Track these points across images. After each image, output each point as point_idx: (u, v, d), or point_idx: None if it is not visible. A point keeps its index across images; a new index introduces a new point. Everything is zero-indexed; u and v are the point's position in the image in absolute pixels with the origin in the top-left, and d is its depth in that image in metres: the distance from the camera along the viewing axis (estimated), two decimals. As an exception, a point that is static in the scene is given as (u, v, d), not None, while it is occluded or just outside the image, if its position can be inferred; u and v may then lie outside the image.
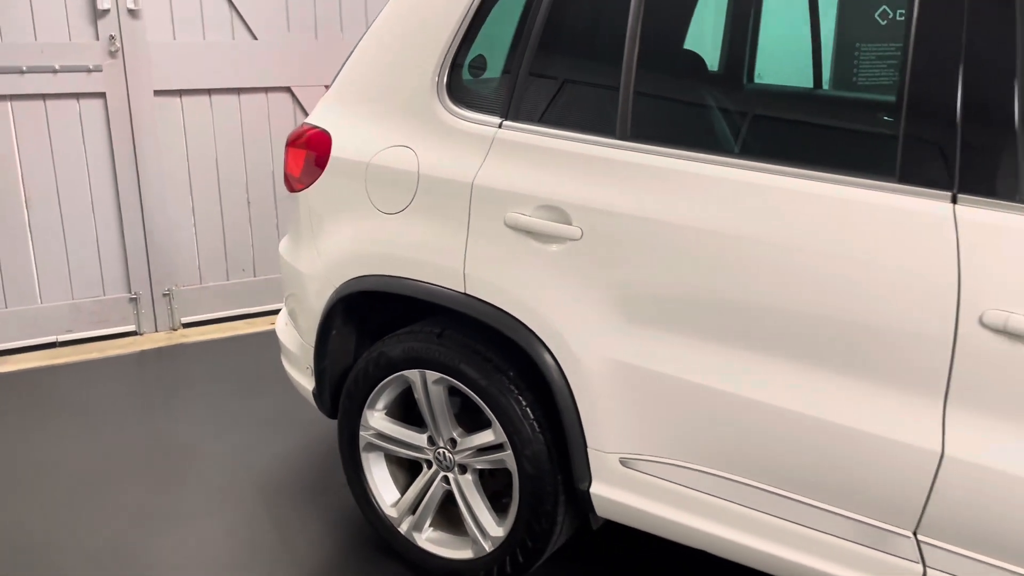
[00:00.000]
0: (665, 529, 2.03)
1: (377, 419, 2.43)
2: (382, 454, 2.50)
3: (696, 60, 2.31)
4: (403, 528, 2.46)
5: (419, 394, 2.32)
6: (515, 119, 2.12)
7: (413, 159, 2.23)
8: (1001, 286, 1.55)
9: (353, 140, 2.37)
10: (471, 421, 2.31)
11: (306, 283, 2.49)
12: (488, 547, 2.31)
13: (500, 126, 2.13)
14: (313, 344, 2.49)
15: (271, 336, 4.31)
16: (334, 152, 2.39)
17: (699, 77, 2.19)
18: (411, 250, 2.22)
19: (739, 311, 1.81)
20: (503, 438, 2.19)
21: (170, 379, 3.90)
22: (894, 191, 1.66)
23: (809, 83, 2.41)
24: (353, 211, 2.35)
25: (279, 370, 3.49)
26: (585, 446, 2.07)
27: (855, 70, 2.92)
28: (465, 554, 2.37)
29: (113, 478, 3.03)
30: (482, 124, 2.16)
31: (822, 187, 1.73)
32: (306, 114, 4.43)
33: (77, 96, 4.03)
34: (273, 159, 4.51)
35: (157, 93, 4.17)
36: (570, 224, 1.99)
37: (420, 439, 2.38)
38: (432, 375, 2.26)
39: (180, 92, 4.24)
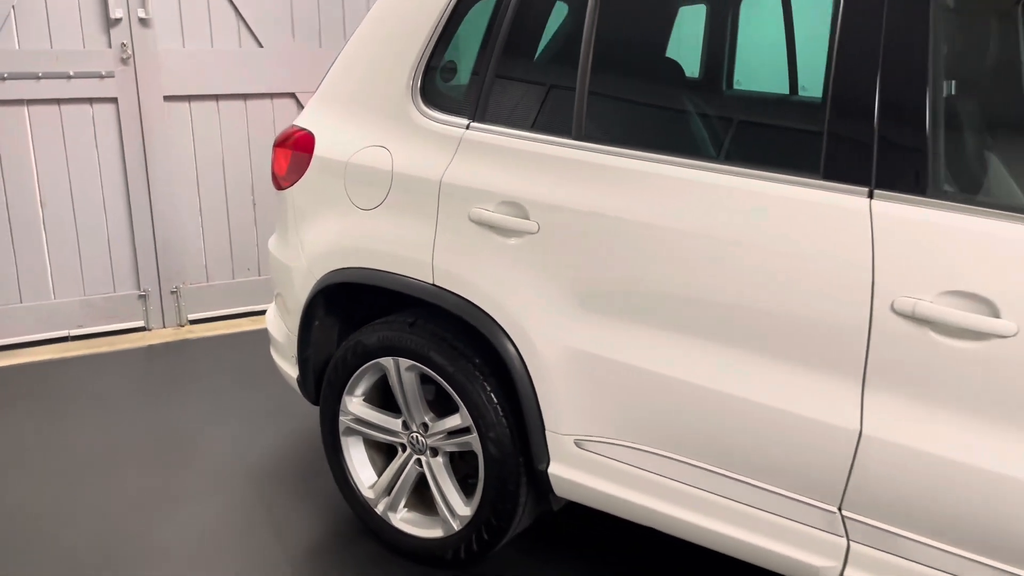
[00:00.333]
0: (616, 507, 2.15)
1: (355, 405, 2.57)
2: (361, 438, 2.64)
3: (651, 65, 2.44)
4: (379, 508, 2.59)
5: (393, 381, 2.45)
6: (481, 120, 2.26)
7: (388, 158, 2.37)
8: (909, 275, 1.66)
9: (334, 140, 2.52)
10: (444, 407, 2.44)
11: (291, 276, 2.64)
12: (457, 526, 2.44)
13: (467, 127, 2.27)
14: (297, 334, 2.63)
15: (273, 333, 4.46)
16: (316, 152, 2.54)
17: (650, 80, 2.31)
18: (385, 244, 2.36)
19: (681, 301, 1.93)
20: (469, 422, 2.32)
21: (176, 372, 4.07)
22: (819, 187, 1.78)
23: (785, 86, 2.52)
24: (333, 207, 2.49)
25: (276, 363, 3.63)
26: (543, 429, 2.20)
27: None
28: (436, 533, 2.50)
29: (117, 463, 3.19)
30: (451, 125, 2.29)
31: (756, 184, 1.84)
32: (310, 119, 4.59)
33: (90, 101, 4.21)
34: (278, 162, 4.68)
35: (167, 98, 4.35)
36: (528, 219, 2.12)
37: (395, 424, 2.52)
38: (404, 362, 2.40)
39: (189, 97, 4.42)
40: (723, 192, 1.87)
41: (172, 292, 4.58)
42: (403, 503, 2.57)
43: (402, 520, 2.57)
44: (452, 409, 2.38)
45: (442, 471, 2.46)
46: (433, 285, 2.28)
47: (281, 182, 2.65)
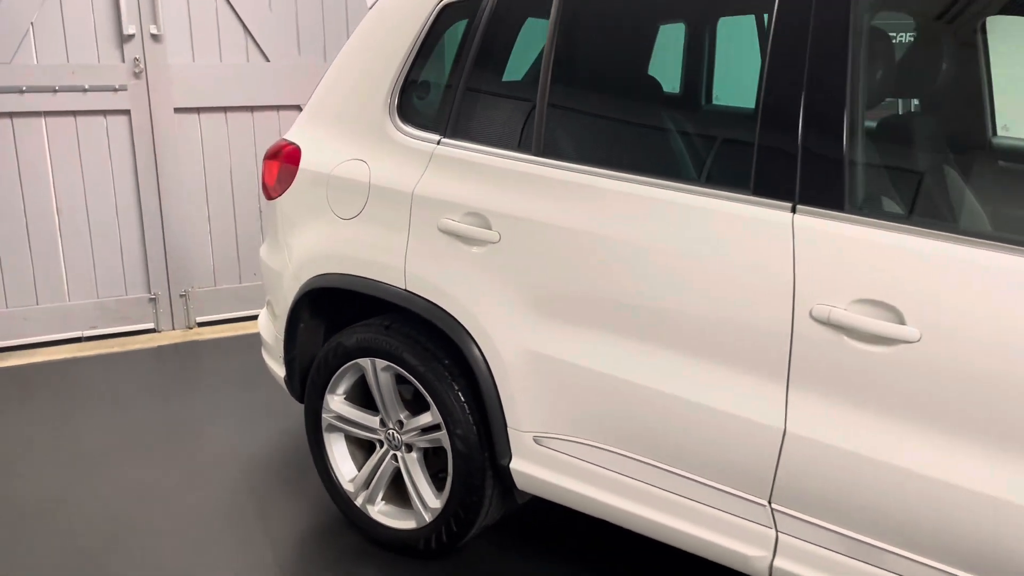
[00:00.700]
0: (571, 501, 2.29)
1: (337, 403, 2.72)
2: (342, 435, 2.79)
3: (602, 85, 2.58)
4: (359, 501, 2.74)
5: (371, 380, 2.61)
6: (451, 136, 2.41)
7: (366, 171, 2.53)
8: (825, 283, 1.79)
9: (319, 154, 2.68)
10: (419, 406, 2.58)
11: (279, 281, 2.81)
12: (428, 518, 2.58)
13: (439, 143, 2.43)
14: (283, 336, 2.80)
15: (277, 335, 4.65)
16: (302, 164, 2.71)
17: (600, 100, 2.45)
18: (362, 251, 2.52)
19: (626, 308, 2.07)
20: (439, 419, 2.46)
21: (183, 372, 4.26)
22: (749, 202, 1.91)
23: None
24: (317, 216, 2.66)
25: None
26: (505, 426, 2.34)
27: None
28: (410, 524, 2.64)
29: (121, 455, 3.37)
30: (424, 141, 2.45)
31: (694, 199, 1.98)
32: (314, 130, 4.77)
33: (104, 113, 4.42)
34: (284, 172, 4.87)
35: (177, 110, 4.55)
36: (490, 229, 2.27)
37: (373, 421, 2.67)
38: (380, 363, 2.55)
39: (198, 109, 4.62)
40: (664, 206, 2.01)
41: (181, 296, 4.77)
42: (380, 496, 2.72)
43: (379, 512, 2.72)
44: (426, 407, 2.53)
45: (415, 466, 2.61)
46: (405, 290, 2.43)
47: (271, 192, 2.82)
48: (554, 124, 2.26)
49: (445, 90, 2.47)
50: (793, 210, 1.85)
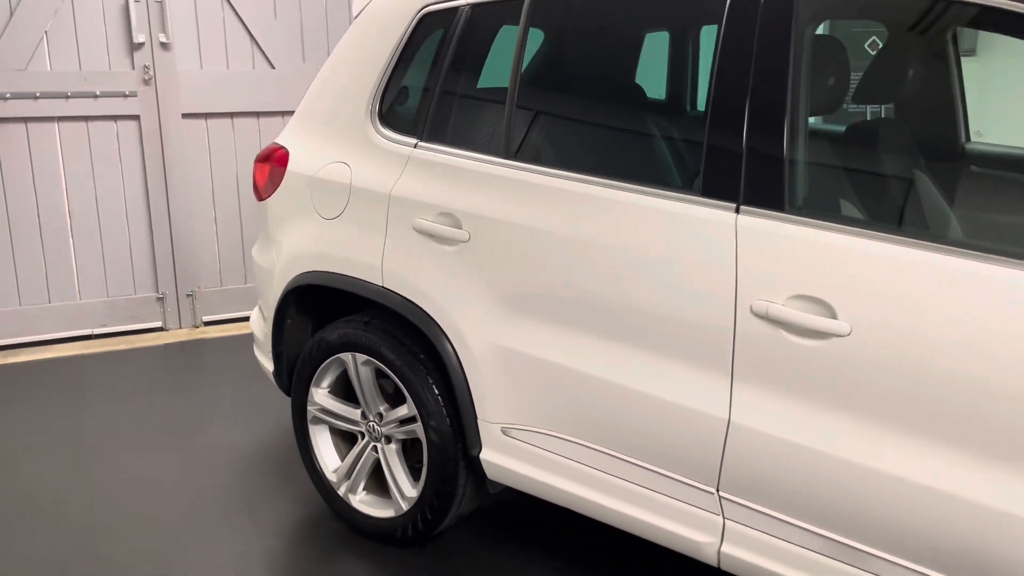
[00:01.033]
0: (537, 490, 2.39)
1: (321, 396, 2.84)
2: (326, 427, 2.90)
3: (563, 90, 2.68)
4: (341, 491, 2.85)
5: (352, 374, 2.72)
6: (427, 140, 2.52)
7: (348, 173, 2.65)
8: (764, 280, 1.88)
9: (305, 157, 2.80)
10: (398, 399, 2.69)
11: (268, 279, 2.93)
12: (405, 507, 2.69)
13: (416, 146, 2.54)
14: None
15: (279, 335, 4.78)
16: (290, 167, 2.83)
17: (562, 104, 2.56)
18: (343, 249, 2.63)
19: (586, 304, 2.17)
20: (415, 411, 2.57)
21: (188, 369, 4.40)
22: (698, 203, 2.00)
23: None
24: (302, 217, 2.78)
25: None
26: (475, 417, 2.44)
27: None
28: (388, 513, 2.75)
29: (122, 447, 3.50)
30: (402, 144, 2.56)
31: (649, 200, 2.07)
32: (318, 136, 4.91)
33: (115, 118, 4.58)
34: (289, 176, 5.01)
35: (185, 116, 4.70)
36: (461, 229, 2.37)
37: (355, 414, 2.78)
38: (361, 357, 2.66)
39: (206, 115, 4.77)
40: (621, 207, 2.11)
41: (188, 295, 4.92)
42: (362, 486, 2.83)
43: (361, 502, 2.83)
44: (404, 400, 2.63)
45: (394, 457, 2.71)
46: (382, 287, 2.55)
47: (261, 193, 2.94)
48: (520, 128, 2.37)
49: (422, 96, 2.58)
50: (737, 210, 1.94)
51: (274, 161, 2.90)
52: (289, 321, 2.89)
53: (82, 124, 4.53)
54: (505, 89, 2.39)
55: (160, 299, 4.87)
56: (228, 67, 4.75)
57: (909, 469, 1.75)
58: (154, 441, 3.56)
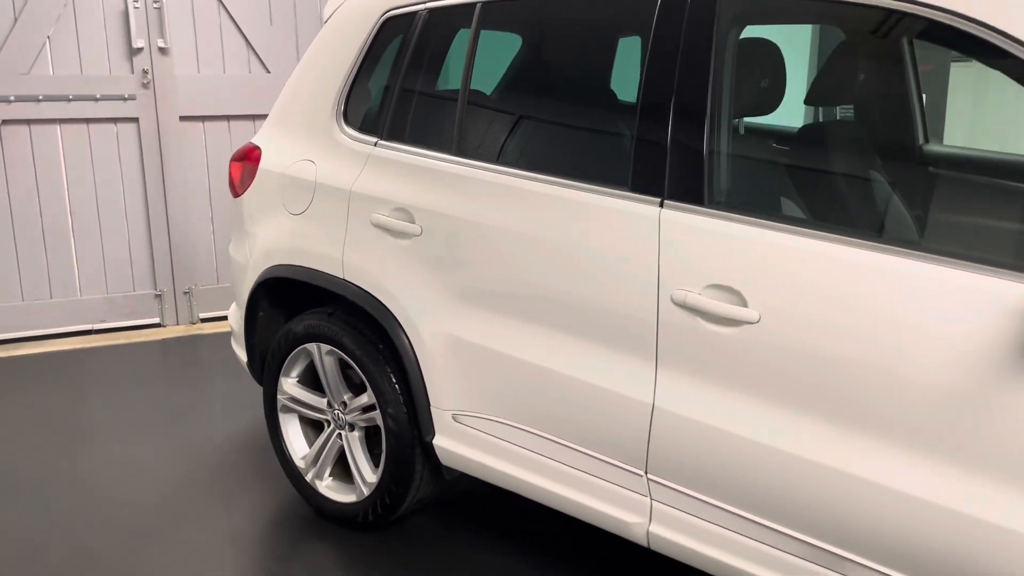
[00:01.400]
0: (485, 474, 2.48)
1: (290, 385, 2.95)
2: (296, 415, 3.01)
3: (506, 91, 2.79)
4: (308, 477, 2.96)
5: (317, 363, 2.83)
6: (387, 139, 2.64)
7: (313, 170, 2.77)
8: (683, 271, 1.97)
9: (276, 155, 2.92)
10: (363, 389, 2.79)
11: (242, 273, 3.05)
12: (366, 491, 2.79)
13: (376, 144, 2.65)
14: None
15: (272, 331, 4.91)
16: (262, 165, 2.95)
17: (505, 104, 2.66)
18: (307, 243, 2.75)
19: (526, 295, 2.26)
20: (374, 399, 2.68)
21: (184, 363, 4.53)
22: (628, 198, 2.10)
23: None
24: (273, 212, 2.89)
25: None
26: (428, 405, 2.55)
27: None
28: (351, 498, 2.85)
29: (111, 435, 3.63)
30: (363, 143, 2.68)
31: (584, 195, 2.17)
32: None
33: (114, 120, 4.74)
34: (284, 177, 5.15)
35: (182, 118, 4.85)
36: (414, 223, 2.48)
37: (321, 402, 2.89)
38: (325, 347, 2.78)
39: (203, 118, 4.91)
40: (559, 202, 2.20)
41: (185, 292, 5.06)
42: (328, 472, 2.93)
43: (327, 487, 2.93)
44: (366, 389, 2.73)
45: (357, 444, 2.82)
46: (343, 279, 2.66)
47: (237, 190, 3.07)
48: (469, 127, 2.47)
49: (383, 96, 2.69)
50: (661, 205, 2.03)
51: (248, 159, 3.02)
52: (261, 314, 3.01)
53: (83, 126, 4.69)
54: (455, 94, 2.50)
55: (158, 296, 5.02)
56: (224, 71, 4.90)
57: (817, 452, 1.83)
58: (144, 430, 3.69)
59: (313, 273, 2.74)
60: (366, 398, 2.72)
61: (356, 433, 2.83)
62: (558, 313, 2.21)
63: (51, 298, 4.83)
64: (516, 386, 2.32)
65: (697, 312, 1.95)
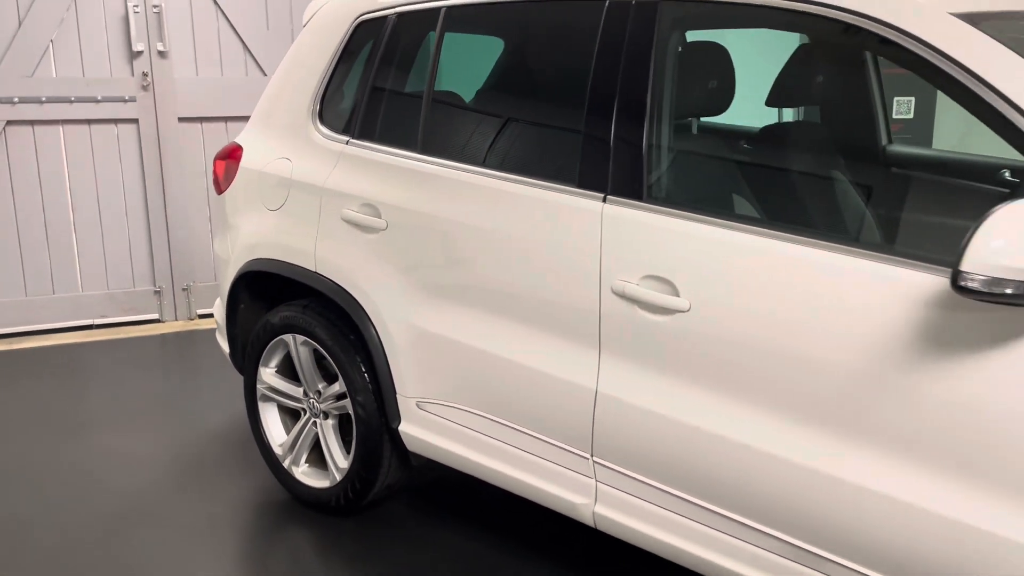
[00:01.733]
0: (448, 459, 2.59)
1: (268, 375, 3.07)
2: (274, 404, 3.13)
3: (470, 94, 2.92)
4: (286, 463, 3.07)
5: (294, 354, 2.95)
6: (358, 137, 2.75)
7: (290, 168, 2.88)
8: (622, 262, 2.06)
9: (256, 153, 3.04)
10: (336, 378, 2.90)
11: (224, 267, 3.17)
12: (338, 477, 2.90)
13: (347, 143, 2.76)
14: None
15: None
16: (242, 163, 3.07)
17: (465, 106, 2.77)
18: (283, 237, 2.87)
19: (484, 286, 2.37)
20: (345, 388, 2.79)
21: (181, 357, 4.68)
22: (574, 193, 2.20)
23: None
24: (252, 208, 3.01)
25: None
26: (395, 393, 2.65)
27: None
28: (325, 484, 2.96)
29: (106, 425, 3.76)
30: (336, 141, 2.79)
31: (536, 191, 2.27)
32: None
33: (115, 121, 4.89)
34: (280, 177, 5.28)
35: (181, 120, 5.00)
36: (379, 218, 2.59)
37: (298, 391, 3.00)
38: (300, 338, 2.89)
39: (201, 119, 5.06)
40: (513, 198, 2.31)
41: (184, 289, 5.20)
42: (304, 459, 3.05)
43: (302, 473, 3.05)
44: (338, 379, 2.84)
45: (330, 431, 2.93)
46: (315, 272, 2.77)
47: (220, 187, 3.19)
48: (431, 125, 2.58)
49: (355, 97, 2.81)
50: (604, 200, 2.13)
51: (231, 158, 3.14)
52: (242, 306, 3.13)
53: (85, 127, 4.84)
54: (420, 96, 2.61)
55: (157, 292, 5.16)
56: (222, 74, 5.03)
57: (742, 433, 1.92)
58: (137, 421, 3.82)
59: (288, 267, 2.85)
60: (338, 387, 2.82)
61: (330, 421, 2.94)
62: (511, 303, 2.31)
63: (53, 293, 4.97)
64: (473, 374, 2.43)
65: (634, 301, 2.05)
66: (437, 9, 2.60)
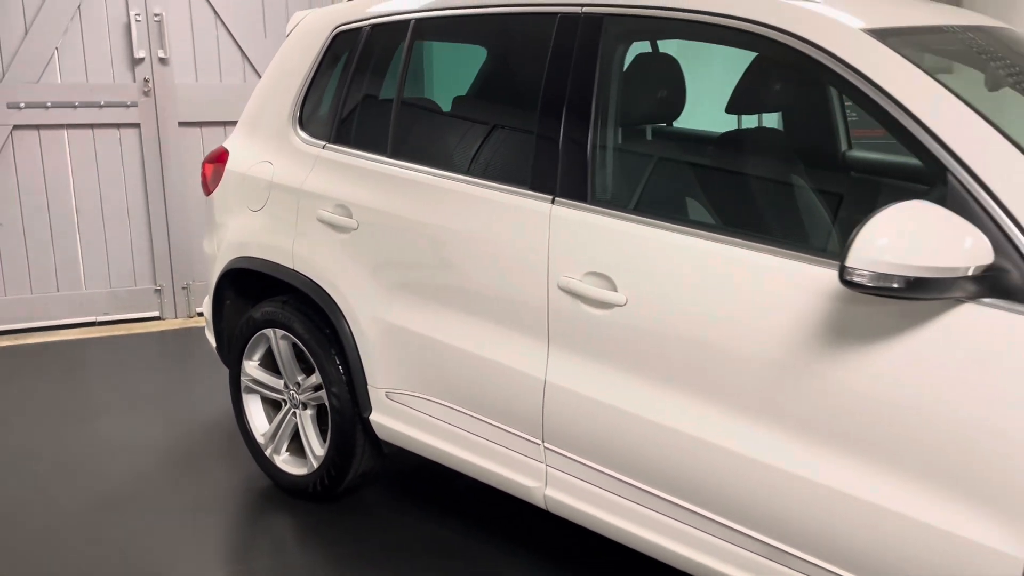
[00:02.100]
0: (415, 447, 2.73)
1: (252, 368, 3.22)
2: (258, 395, 3.28)
3: (432, 104, 3.06)
4: (267, 452, 3.23)
5: (274, 347, 3.10)
6: (334, 142, 2.90)
7: (271, 170, 3.04)
8: (567, 259, 2.20)
9: (241, 157, 3.20)
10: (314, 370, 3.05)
11: (211, 264, 3.33)
12: (315, 464, 3.05)
13: (324, 147, 2.92)
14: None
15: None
16: (228, 166, 3.23)
17: (440, 115, 2.91)
18: (263, 236, 3.02)
19: (445, 282, 2.52)
20: (321, 380, 2.94)
21: (179, 353, 4.85)
22: (527, 196, 2.34)
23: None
24: (237, 209, 3.17)
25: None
26: (366, 384, 2.80)
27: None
28: (303, 471, 3.11)
29: (104, 416, 3.93)
30: (313, 146, 2.95)
31: (492, 194, 2.42)
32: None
33: (118, 126, 5.07)
34: (277, 180, 5.45)
35: (181, 124, 5.17)
36: (351, 218, 2.74)
37: (278, 383, 3.16)
38: (279, 332, 3.05)
39: (200, 124, 5.23)
40: (471, 199, 2.45)
41: (183, 288, 5.38)
42: (284, 447, 3.20)
43: (283, 461, 3.20)
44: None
45: (308, 421, 3.08)
46: (293, 270, 2.93)
47: (208, 189, 3.35)
48: (400, 131, 2.74)
49: (332, 103, 2.97)
50: (553, 202, 2.28)
51: (219, 161, 3.30)
52: (228, 302, 3.29)
53: (88, 131, 5.03)
54: (390, 102, 2.76)
55: (158, 291, 5.34)
56: (221, 80, 5.21)
57: (675, 420, 2.06)
58: (134, 412, 3.98)
59: (269, 264, 3.01)
60: (315, 379, 2.98)
61: (308, 411, 3.09)
62: (469, 299, 2.46)
63: (58, 291, 5.16)
64: (435, 365, 2.57)
65: (578, 297, 2.19)
66: (407, 21, 2.76)
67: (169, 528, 3.01)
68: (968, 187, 1.66)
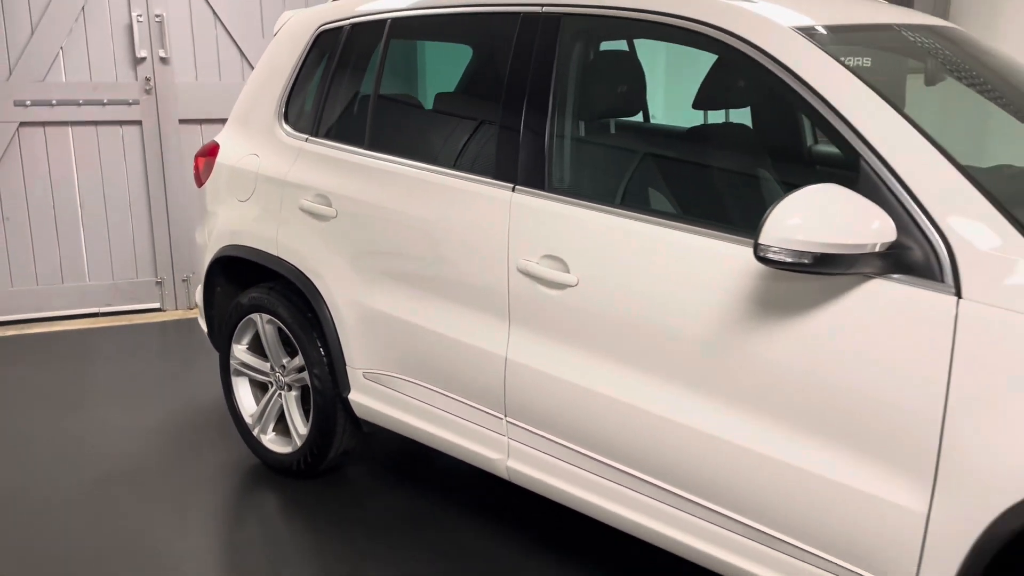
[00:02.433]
0: (391, 424, 2.88)
1: (240, 352, 3.38)
2: (246, 378, 3.44)
3: (412, 99, 3.19)
4: (255, 432, 3.38)
5: (261, 332, 3.26)
6: (316, 135, 3.06)
7: (257, 163, 3.20)
8: (525, 243, 2.35)
9: (230, 150, 3.36)
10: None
11: (203, 254, 3.49)
12: (299, 443, 3.20)
13: (307, 140, 3.07)
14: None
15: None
16: (218, 159, 3.39)
17: (414, 109, 3.06)
18: (250, 225, 3.18)
19: (415, 267, 2.66)
20: (304, 362, 3.09)
21: (179, 342, 5.01)
22: (490, 184, 2.49)
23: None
24: (225, 199, 3.33)
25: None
26: (345, 365, 2.95)
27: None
28: (288, 449, 3.27)
29: (104, 401, 4.09)
30: (297, 139, 3.10)
31: (456, 182, 2.56)
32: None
33: (120, 123, 5.24)
34: (275, 176, 5.60)
35: (182, 121, 5.34)
36: (330, 207, 2.89)
37: (265, 366, 3.31)
38: (265, 317, 3.20)
39: (200, 121, 5.40)
40: (439, 188, 2.60)
41: (183, 280, 5.54)
42: (271, 427, 3.35)
43: (269, 441, 3.35)
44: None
45: (292, 402, 3.24)
46: (277, 257, 3.08)
47: (200, 181, 3.51)
48: (377, 124, 2.89)
49: (315, 98, 3.12)
50: (513, 189, 2.42)
51: (210, 154, 3.46)
52: (219, 289, 3.45)
53: (92, 128, 5.20)
54: (368, 98, 2.91)
55: (159, 283, 5.50)
56: (220, 79, 5.38)
57: (623, 393, 2.20)
58: (133, 398, 4.15)
59: (255, 252, 3.17)
60: (299, 361, 3.13)
61: (292, 392, 3.24)
62: (437, 282, 2.61)
63: (62, 283, 5.33)
64: (407, 346, 2.72)
65: (535, 278, 2.34)
66: (383, 20, 2.91)
67: (162, 503, 3.16)
68: (877, 171, 1.80)
